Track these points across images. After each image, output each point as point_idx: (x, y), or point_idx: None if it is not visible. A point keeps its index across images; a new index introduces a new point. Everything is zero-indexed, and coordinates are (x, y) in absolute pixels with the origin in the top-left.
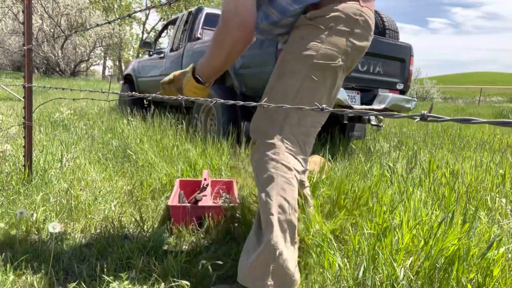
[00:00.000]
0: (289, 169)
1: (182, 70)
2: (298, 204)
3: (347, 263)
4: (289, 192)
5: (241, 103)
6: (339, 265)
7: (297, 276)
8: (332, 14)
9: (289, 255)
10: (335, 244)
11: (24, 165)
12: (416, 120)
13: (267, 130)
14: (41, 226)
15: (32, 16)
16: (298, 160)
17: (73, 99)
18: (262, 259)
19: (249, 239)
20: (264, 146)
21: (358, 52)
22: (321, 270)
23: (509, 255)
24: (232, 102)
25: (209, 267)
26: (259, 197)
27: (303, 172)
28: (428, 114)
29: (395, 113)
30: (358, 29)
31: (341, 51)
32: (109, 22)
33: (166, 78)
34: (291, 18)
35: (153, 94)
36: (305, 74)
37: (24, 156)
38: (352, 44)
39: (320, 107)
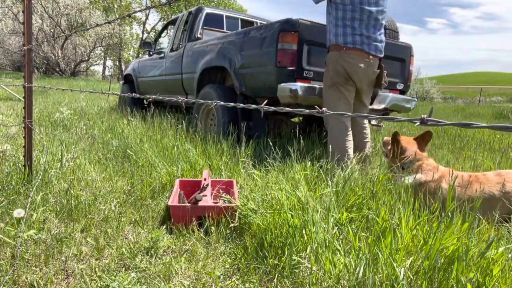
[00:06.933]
0: None
1: None
2: None
3: (347, 263)
4: None
5: (241, 105)
6: (344, 264)
7: None
8: None
9: None
10: (337, 243)
11: (24, 165)
12: (416, 124)
13: None
14: (41, 226)
15: (32, 16)
16: None
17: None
18: None
19: None
20: None
21: None
22: (323, 269)
23: (509, 255)
24: (232, 104)
25: (209, 267)
26: None
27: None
28: (428, 118)
29: (396, 117)
30: None
31: None
32: (109, 22)
33: None
34: None
35: (154, 96)
36: None
37: (24, 156)
38: None
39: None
